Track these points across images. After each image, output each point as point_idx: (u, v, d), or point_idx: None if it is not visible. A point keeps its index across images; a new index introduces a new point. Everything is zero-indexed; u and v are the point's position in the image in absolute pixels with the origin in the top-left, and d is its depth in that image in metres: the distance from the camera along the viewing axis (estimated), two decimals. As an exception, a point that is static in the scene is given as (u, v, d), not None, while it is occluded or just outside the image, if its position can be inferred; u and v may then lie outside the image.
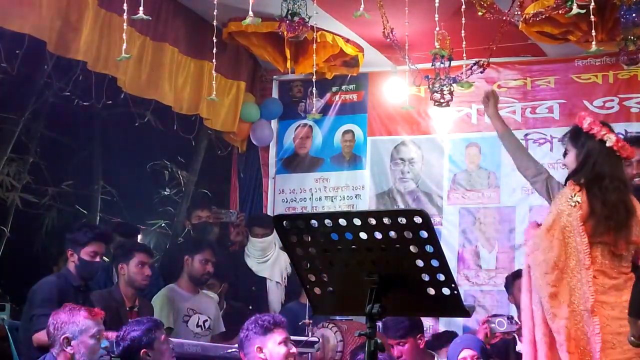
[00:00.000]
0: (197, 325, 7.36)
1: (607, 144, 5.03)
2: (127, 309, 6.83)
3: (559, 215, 4.97)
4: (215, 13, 6.46)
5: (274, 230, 8.85)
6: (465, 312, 3.29)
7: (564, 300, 4.92)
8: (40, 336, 5.87)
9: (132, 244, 7.38)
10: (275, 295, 8.85)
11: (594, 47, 6.21)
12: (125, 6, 5.98)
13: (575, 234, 4.89)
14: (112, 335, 5.83)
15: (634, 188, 6.24)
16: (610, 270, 4.93)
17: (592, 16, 6.03)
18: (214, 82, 6.94)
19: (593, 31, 6.17)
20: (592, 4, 6.00)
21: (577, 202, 4.94)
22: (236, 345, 5.96)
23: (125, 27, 6.12)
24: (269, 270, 8.85)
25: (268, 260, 8.85)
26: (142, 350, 5.46)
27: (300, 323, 7.04)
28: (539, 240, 5.07)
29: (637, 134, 8.10)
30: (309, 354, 6.93)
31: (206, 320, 7.42)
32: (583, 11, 5.93)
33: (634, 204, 5.02)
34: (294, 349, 5.68)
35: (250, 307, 8.55)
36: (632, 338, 3.58)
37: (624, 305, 4.73)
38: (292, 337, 5.94)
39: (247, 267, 8.83)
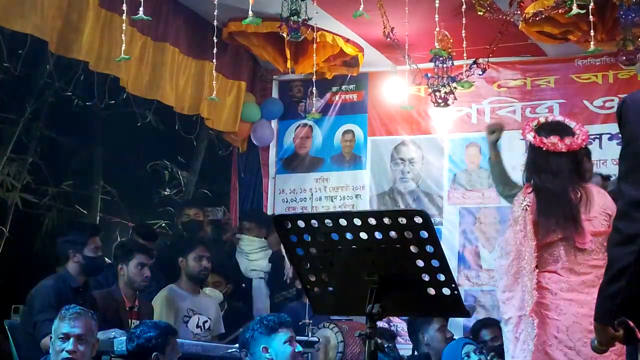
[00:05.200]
0: (197, 326, 7.34)
1: (533, 143, 5.07)
2: (127, 309, 6.83)
3: (515, 221, 4.99)
4: (215, 13, 6.48)
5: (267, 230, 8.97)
6: (466, 312, 3.29)
7: (514, 306, 4.92)
8: (47, 341, 5.87)
9: (133, 245, 7.36)
10: (261, 292, 8.88)
11: (592, 46, 6.23)
12: (125, 6, 5.99)
13: (528, 238, 4.90)
14: (111, 334, 5.85)
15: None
16: (578, 266, 4.88)
17: (591, 16, 6.05)
18: (214, 82, 6.96)
19: (592, 31, 6.19)
20: (592, 4, 6.02)
21: (527, 205, 4.95)
22: (236, 345, 5.96)
23: (125, 28, 6.14)
24: (259, 266, 8.91)
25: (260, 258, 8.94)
26: (154, 353, 5.45)
27: (300, 323, 7.05)
28: (499, 248, 5.13)
29: None
30: (309, 354, 6.93)
31: (206, 321, 7.41)
32: (583, 11, 5.95)
33: (586, 194, 4.95)
34: (299, 348, 5.68)
35: (246, 305, 8.58)
36: (595, 343, 3.54)
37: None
38: (293, 337, 5.94)
39: (240, 265, 8.90)
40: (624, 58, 7.23)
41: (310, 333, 7.13)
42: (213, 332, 7.49)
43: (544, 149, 5.00)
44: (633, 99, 3.48)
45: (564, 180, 4.95)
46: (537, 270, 4.86)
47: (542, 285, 4.88)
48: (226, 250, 9.08)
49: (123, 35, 6.13)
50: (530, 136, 5.08)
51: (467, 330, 8.56)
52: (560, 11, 6.76)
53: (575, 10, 5.91)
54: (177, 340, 5.75)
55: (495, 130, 5.86)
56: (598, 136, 8.61)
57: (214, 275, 8.13)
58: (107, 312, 6.63)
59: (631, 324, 3.35)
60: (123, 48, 6.13)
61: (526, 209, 4.96)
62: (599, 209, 4.94)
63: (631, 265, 3.27)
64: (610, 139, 8.43)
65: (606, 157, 7.95)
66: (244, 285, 8.85)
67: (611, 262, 3.37)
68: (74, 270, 6.52)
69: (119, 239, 9.82)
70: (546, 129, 5.09)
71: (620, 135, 3.49)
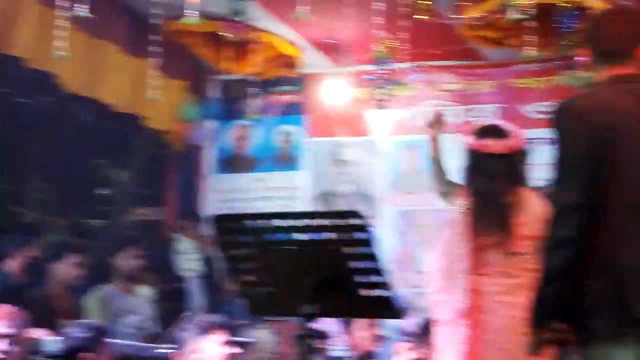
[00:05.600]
0: (130, 326, 7.30)
1: (469, 146, 5.11)
2: (60, 308, 6.76)
3: (451, 224, 5.02)
4: (156, 11, 6.43)
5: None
6: (400, 314, 3.30)
7: (448, 308, 4.95)
8: None
9: (67, 244, 7.31)
10: (197, 292, 8.85)
11: (531, 52, 6.29)
12: (63, 2, 5.92)
13: (463, 241, 4.93)
14: (43, 334, 5.80)
15: None
16: (510, 269, 4.91)
17: (530, 22, 6.11)
18: (154, 80, 6.91)
19: (531, 36, 6.25)
20: (531, 9, 6.07)
21: (464, 208, 4.99)
22: (168, 345, 5.93)
23: (63, 24, 6.07)
24: (194, 266, 8.88)
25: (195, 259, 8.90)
26: (83, 353, 5.40)
27: (234, 324, 7.02)
28: (435, 250, 5.16)
29: None
30: (244, 354, 6.91)
31: (139, 321, 7.38)
32: (522, 16, 6.00)
33: (520, 197, 4.99)
34: (234, 350, 5.67)
35: (180, 305, 8.53)
36: (530, 347, 3.61)
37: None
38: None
39: (175, 265, 8.85)
40: (562, 64, 7.30)
41: (244, 334, 7.11)
42: (147, 331, 7.45)
43: (479, 151, 5.03)
44: (567, 105, 3.54)
45: (499, 183, 4.98)
46: (470, 273, 4.89)
47: (475, 287, 4.91)
48: (162, 249, 9.03)
49: (61, 31, 6.06)
50: (467, 139, 5.11)
51: (404, 332, 8.60)
52: (500, 16, 6.81)
53: (514, 15, 5.97)
54: (110, 340, 5.71)
55: (436, 122, 5.88)
56: (534, 141, 8.68)
57: (148, 274, 8.09)
58: (39, 311, 6.56)
59: (563, 326, 3.40)
60: (60, 44, 6.06)
61: (462, 212, 5.00)
62: (532, 212, 4.99)
63: (563, 268, 3.33)
64: (545, 143, 8.51)
65: (541, 162, 8.01)
66: (178, 285, 8.81)
67: (544, 266, 3.42)
68: (15, 269, 6.45)
69: (53, 238, 9.70)
70: (483, 131, 5.13)
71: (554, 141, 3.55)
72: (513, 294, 4.89)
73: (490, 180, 4.98)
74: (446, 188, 5.58)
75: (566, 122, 3.48)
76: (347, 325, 7.27)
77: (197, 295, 8.84)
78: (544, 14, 7.03)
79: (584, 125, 3.41)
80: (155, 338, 7.43)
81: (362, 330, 7.14)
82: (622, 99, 3.50)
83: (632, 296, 3.28)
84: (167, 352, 6.04)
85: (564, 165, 3.44)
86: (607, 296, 3.33)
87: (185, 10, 5.67)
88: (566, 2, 6.64)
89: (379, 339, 7.19)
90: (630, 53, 3.59)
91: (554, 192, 3.46)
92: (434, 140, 5.83)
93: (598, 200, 3.35)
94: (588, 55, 3.73)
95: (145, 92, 8.13)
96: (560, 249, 3.34)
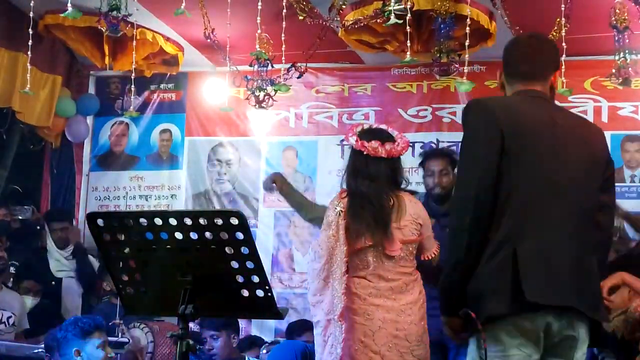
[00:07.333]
0: (1, 322, 7.17)
1: (354, 146, 5.16)
2: None
3: (328, 226, 5.06)
4: (31, 4, 6.31)
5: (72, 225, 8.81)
6: (278, 315, 3.31)
7: (323, 309, 5.00)
8: None
9: None
10: (73, 292, 8.71)
11: (408, 56, 6.39)
12: None
13: (340, 243, 4.98)
14: None
15: (434, 197, 6.47)
16: (386, 273, 4.99)
17: (408, 27, 6.20)
18: (28, 75, 6.78)
19: (408, 41, 6.34)
20: (409, 14, 6.16)
21: (341, 210, 5.03)
22: (42, 345, 5.83)
23: None
24: (68, 266, 8.74)
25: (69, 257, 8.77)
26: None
27: (110, 323, 6.94)
28: (312, 252, 5.20)
29: (434, 148, 8.33)
30: (119, 354, 6.84)
31: (10, 317, 7.24)
32: (400, 21, 6.08)
33: (399, 202, 5.06)
34: (112, 353, 5.60)
35: (55, 305, 8.39)
36: (447, 334, 3.74)
37: (402, 308, 4.90)
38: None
39: (49, 264, 8.71)
40: (438, 69, 7.42)
41: (120, 333, 7.04)
42: (18, 328, 7.31)
43: (365, 152, 5.07)
44: (477, 101, 3.83)
45: (380, 185, 5.03)
46: (347, 275, 4.93)
47: (351, 290, 4.95)
48: (35, 249, 8.86)
49: None
50: (352, 139, 5.14)
51: (279, 332, 8.62)
52: (378, 20, 6.88)
53: (393, 20, 6.04)
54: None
55: (277, 182, 6.06)
56: (411, 144, 8.77)
57: (27, 281, 7.95)
58: None
59: (472, 314, 3.50)
60: None
61: (339, 214, 5.02)
62: (410, 218, 5.05)
63: (465, 256, 3.52)
64: (422, 147, 8.64)
65: (417, 166, 8.14)
66: (53, 284, 8.66)
67: (448, 254, 3.64)
68: None
69: None
70: (368, 133, 5.17)
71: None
72: (387, 297, 4.96)
73: (373, 182, 5.03)
74: (312, 214, 5.68)
75: (475, 115, 3.69)
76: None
77: (72, 295, 8.70)
78: (421, 20, 7.15)
79: (491, 119, 3.59)
80: (29, 337, 7.29)
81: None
82: (530, 105, 3.71)
83: (526, 282, 3.43)
84: (38, 352, 5.93)
85: (469, 156, 3.63)
86: (503, 281, 3.47)
87: (64, 4, 5.57)
88: (442, 9, 6.75)
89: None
90: (542, 75, 3.82)
91: (457, 182, 3.69)
92: (290, 194, 5.98)
93: (499, 191, 3.53)
94: (500, 72, 3.94)
95: (19, 86, 7.98)
96: (460, 237, 3.52)
